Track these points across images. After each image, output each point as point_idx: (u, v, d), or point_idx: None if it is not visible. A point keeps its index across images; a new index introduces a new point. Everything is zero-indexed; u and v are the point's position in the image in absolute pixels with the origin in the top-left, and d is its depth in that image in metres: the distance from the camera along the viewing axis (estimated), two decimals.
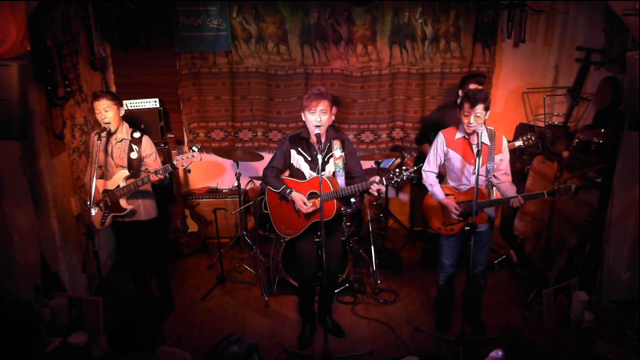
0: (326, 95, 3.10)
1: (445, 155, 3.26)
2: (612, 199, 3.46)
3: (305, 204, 3.18)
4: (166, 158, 4.58)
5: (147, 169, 3.50)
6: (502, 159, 3.20)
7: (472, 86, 4.03)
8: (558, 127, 4.49)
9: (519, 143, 4.07)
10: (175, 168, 3.30)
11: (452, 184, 3.32)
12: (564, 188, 2.97)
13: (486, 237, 3.32)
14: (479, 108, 2.99)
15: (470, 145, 3.16)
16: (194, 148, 3.26)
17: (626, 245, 3.40)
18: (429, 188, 3.32)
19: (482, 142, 3.09)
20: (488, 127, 3.16)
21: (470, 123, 3.03)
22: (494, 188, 3.29)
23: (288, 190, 3.21)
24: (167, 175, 3.39)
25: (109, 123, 3.33)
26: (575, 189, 2.95)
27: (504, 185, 3.21)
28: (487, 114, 3.06)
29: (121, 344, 2.00)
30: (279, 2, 4.56)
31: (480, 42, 4.74)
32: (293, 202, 3.23)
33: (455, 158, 3.22)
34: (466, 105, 3.02)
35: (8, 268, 3.07)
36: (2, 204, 3.02)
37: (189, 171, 3.39)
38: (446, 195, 3.27)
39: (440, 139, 3.27)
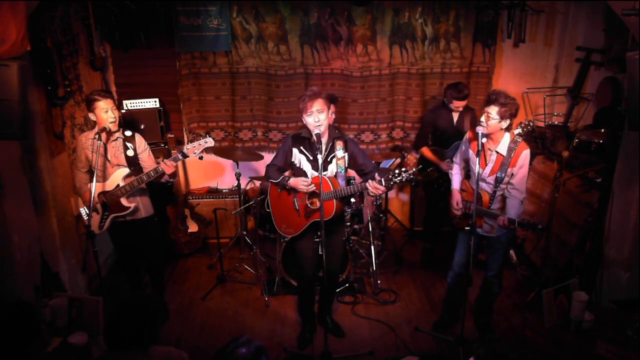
0: (319, 94, 3.09)
1: (467, 153, 3.31)
2: (612, 199, 3.46)
3: (304, 183, 3.15)
4: (166, 158, 4.57)
5: (141, 166, 3.50)
6: (515, 174, 3.08)
7: (455, 102, 4.15)
8: (558, 127, 4.49)
9: (518, 131, 4.08)
10: (186, 157, 3.29)
11: (470, 182, 3.37)
12: (531, 224, 2.92)
13: (498, 243, 3.30)
14: (493, 109, 2.97)
15: (484, 148, 3.15)
16: (207, 135, 3.28)
17: (626, 245, 3.40)
18: (451, 177, 3.45)
19: (497, 152, 3.10)
20: (515, 138, 3.08)
21: (481, 120, 3.04)
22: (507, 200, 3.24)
23: (286, 179, 3.22)
24: (176, 174, 3.38)
25: (113, 122, 3.33)
26: (541, 228, 2.91)
27: (510, 200, 3.13)
28: (506, 123, 3.01)
29: (111, 342, 2.01)
30: (279, 2, 4.56)
31: (480, 42, 4.74)
32: (293, 190, 3.24)
33: (472, 158, 3.25)
34: (484, 102, 3.07)
35: (8, 268, 3.07)
36: (2, 204, 3.02)
37: (201, 158, 3.37)
38: (462, 190, 3.32)
39: (466, 136, 3.35)
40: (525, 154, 3.06)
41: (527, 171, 3.13)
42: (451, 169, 3.50)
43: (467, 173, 3.46)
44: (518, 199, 3.12)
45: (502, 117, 2.98)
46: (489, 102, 2.99)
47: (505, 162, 3.07)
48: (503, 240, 3.29)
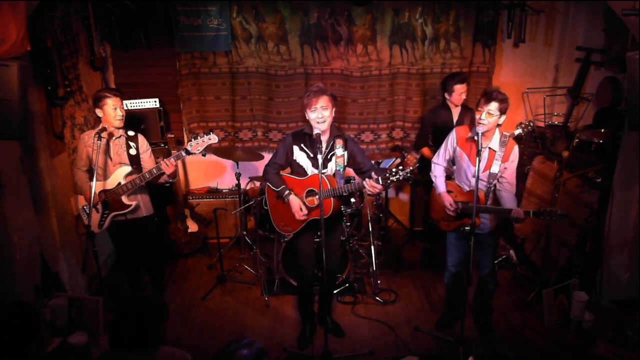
0: (325, 91, 3.11)
1: (454, 152, 3.28)
2: (612, 199, 3.46)
3: (301, 209, 3.19)
4: (166, 158, 4.57)
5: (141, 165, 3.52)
6: (507, 168, 3.13)
7: (457, 87, 4.11)
8: (558, 127, 4.50)
9: (518, 131, 4.08)
10: (189, 153, 3.31)
11: (457, 181, 3.34)
12: (549, 211, 2.94)
13: (487, 239, 3.31)
14: (493, 106, 2.98)
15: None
16: (211, 132, 3.30)
17: (626, 245, 3.40)
18: (433, 179, 3.37)
19: (489, 148, 3.10)
20: (504, 133, 3.12)
21: (481, 118, 3.02)
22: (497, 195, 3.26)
23: (287, 192, 3.22)
24: (177, 174, 3.39)
25: (120, 120, 3.35)
26: (559, 215, 2.92)
27: (505, 194, 3.16)
28: (503, 118, 3.04)
29: (124, 342, 2.00)
30: (279, 2, 4.56)
31: (480, 42, 4.74)
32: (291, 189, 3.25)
33: (462, 157, 3.23)
34: (482, 100, 3.03)
35: (8, 268, 3.07)
36: (2, 204, 3.02)
37: (205, 155, 3.39)
38: (449, 191, 3.28)
39: (452, 135, 3.30)
40: (516, 148, 3.14)
41: (516, 166, 3.20)
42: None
43: (449, 174, 3.43)
44: (512, 193, 3.18)
45: (501, 113, 3.02)
46: (489, 99, 2.99)
47: (497, 158, 3.11)
48: (492, 237, 3.32)
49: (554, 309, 2.87)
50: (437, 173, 3.36)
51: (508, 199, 3.15)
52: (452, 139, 3.29)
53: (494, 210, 3.17)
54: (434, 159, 3.41)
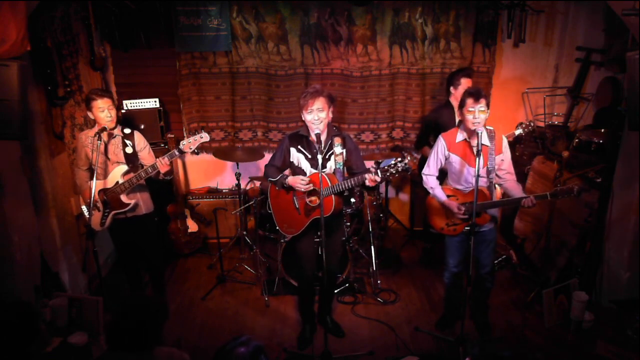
0: (322, 92, 3.09)
1: (447, 159, 3.25)
2: (612, 199, 3.46)
3: (302, 182, 3.14)
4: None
5: (141, 163, 3.53)
6: (503, 159, 3.17)
7: (464, 80, 4.07)
8: (558, 127, 4.50)
9: (519, 131, 4.07)
10: (182, 152, 3.31)
11: (453, 185, 3.32)
12: (566, 189, 2.96)
13: (490, 235, 3.30)
14: (482, 103, 2.98)
15: (471, 147, 3.15)
16: (202, 130, 3.30)
17: (626, 245, 3.40)
18: (431, 191, 3.31)
19: (482, 144, 3.09)
20: (487, 128, 3.13)
21: (476, 117, 2.99)
22: (497, 188, 3.28)
23: (285, 177, 3.23)
24: (172, 172, 3.40)
25: (110, 121, 3.35)
26: (577, 191, 2.94)
27: (509, 184, 3.20)
28: (488, 113, 3.05)
29: (123, 342, 1.99)
30: (279, 2, 4.56)
31: (480, 42, 4.74)
32: (292, 189, 3.24)
33: (457, 161, 3.21)
34: (469, 101, 3.00)
35: (8, 268, 3.07)
36: (2, 204, 3.02)
37: (198, 153, 3.41)
38: (448, 196, 3.26)
39: (441, 143, 3.24)
40: (504, 138, 3.21)
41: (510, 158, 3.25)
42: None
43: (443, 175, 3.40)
44: (515, 180, 3.21)
45: (487, 108, 3.04)
46: (478, 97, 2.99)
47: (491, 152, 3.12)
48: (495, 232, 3.33)
49: (554, 309, 2.88)
50: (433, 184, 3.29)
51: (513, 188, 3.18)
52: (441, 147, 3.24)
53: (504, 202, 3.18)
54: (425, 171, 3.32)
